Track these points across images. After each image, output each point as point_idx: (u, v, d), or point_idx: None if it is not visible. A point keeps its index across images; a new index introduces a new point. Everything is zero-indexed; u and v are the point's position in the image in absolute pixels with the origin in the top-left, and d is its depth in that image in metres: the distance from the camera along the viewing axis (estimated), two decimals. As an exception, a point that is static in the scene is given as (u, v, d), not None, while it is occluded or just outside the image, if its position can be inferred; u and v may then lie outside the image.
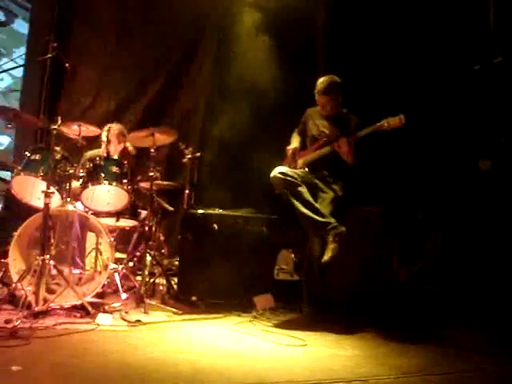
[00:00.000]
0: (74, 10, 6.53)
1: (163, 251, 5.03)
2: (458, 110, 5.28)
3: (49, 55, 4.18)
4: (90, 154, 4.82)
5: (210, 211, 4.51)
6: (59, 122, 3.93)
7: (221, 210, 4.56)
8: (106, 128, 4.82)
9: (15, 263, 3.87)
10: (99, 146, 5.02)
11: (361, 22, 5.82)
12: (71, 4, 6.52)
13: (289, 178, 4.10)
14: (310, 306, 4.34)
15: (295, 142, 4.58)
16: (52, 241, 3.86)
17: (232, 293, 4.39)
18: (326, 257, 3.91)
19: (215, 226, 4.35)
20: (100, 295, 4.17)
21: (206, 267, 4.36)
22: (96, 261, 4.30)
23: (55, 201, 3.90)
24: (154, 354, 3.07)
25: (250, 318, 4.11)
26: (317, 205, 4.11)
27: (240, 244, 4.47)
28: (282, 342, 3.54)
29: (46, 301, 3.63)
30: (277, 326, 3.96)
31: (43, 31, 6.45)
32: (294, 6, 6.02)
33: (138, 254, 4.56)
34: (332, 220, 4.04)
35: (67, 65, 4.24)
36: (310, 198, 4.12)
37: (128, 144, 5.02)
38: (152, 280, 4.48)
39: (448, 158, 5.33)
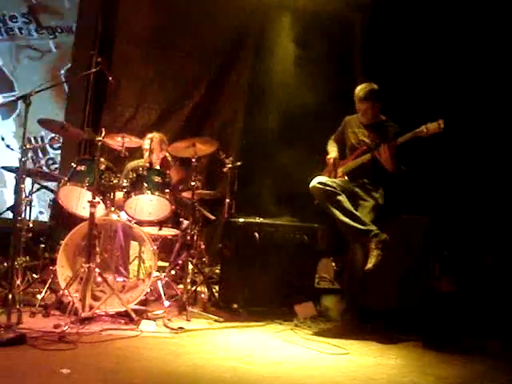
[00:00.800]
0: (115, 25, 6.71)
1: (204, 259, 5.09)
2: (501, 114, 5.18)
3: (93, 70, 4.32)
4: (132, 164, 4.93)
5: (251, 220, 4.55)
6: (103, 133, 4.05)
7: (261, 219, 4.58)
8: (149, 137, 4.92)
9: (62, 270, 3.99)
10: (140, 157, 5.13)
11: (398, 26, 5.77)
12: (113, 19, 6.70)
13: (328, 188, 4.09)
14: (352, 314, 4.30)
15: (334, 150, 4.56)
16: (97, 249, 3.95)
17: (273, 301, 4.41)
18: (369, 265, 3.89)
19: (256, 234, 4.38)
20: (143, 302, 4.25)
21: (247, 275, 4.39)
22: (139, 269, 4.39)
23: (100, 210, 4.01)
24: (197, 361, 3.11)
25: (291, 327, 4.12)
26: (357, 213, 4.09)
27: (281, 252, 4.48)
28: (324, 350, 3.54)
29: (91, 307, 3.73)
30: (318, 334, 3.95)
31: (87, 46, 6.67)
32: (332, 12, 6.04)
33: (180, 262, 4.63)
34: (373, 227, 4.02)
35: (111, 78, 4.37)
36: (350, 207, 4.10)
37: (167, 154, 5.11)
38: (194, 288, 4.53)
39: (493, 164, 5.22)
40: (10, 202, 5.80)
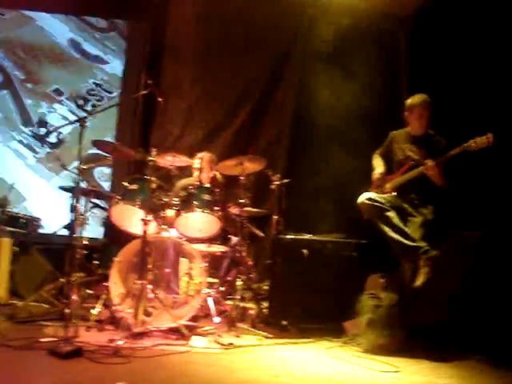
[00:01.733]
0: (163, 47, 6.91)
1: (252, 276, 5.13)
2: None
3: (144, 92, 4.47)
4: (182, 182, 5.04)
5: (300, 236, 4.57)
6: (154, 153, 4.18)
7: (310, 235, 4.60)
8: (199, 157, 5.03)
9: (116, 287, 4.11)
10: (190, 175, 5.24)
11: (442, 38, 5.71)
12: (161, 41, 6.91)
13: (377, 204, 4.09)
14: (402, 331, 4.24)
15: (380, 165, 4.54)
16: (149, 266, 4.05)
17: (322, 317, 4.38)
18: (419, 282, 3.85)
19: (305, 251, 4.39)
20: (193, 318, 4.30)
21: (296, 292, 4.40)
22: (188, 285, 4.47)
23: (151, 228, 4.11)
24: (249, 377, 3.15)
25: (340, 343, 4.10)
26: (406, 229, 4.07)
27: (329, 269, 4.47)
28: (374, 367, 3.51)
29: (144, 323, 3.82)
30: (368, 351, 3.92)
31: (136, 68, 6.91)
32: (375, 24, 6.06)
33: (228, 278, 4.69)
34: (423, 244, 3.98)
35: (160, 99, 4.51)
36: (399, 223, 4.08)
37: (216, 172, 5.20)
38: (243, 304, 4.57)
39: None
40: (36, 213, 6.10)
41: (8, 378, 2.87)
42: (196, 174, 4.99)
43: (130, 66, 7.12)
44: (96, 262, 4.80)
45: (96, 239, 5.25)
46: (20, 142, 6.81)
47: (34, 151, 6.79)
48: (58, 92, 6.96)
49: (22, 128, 6.86)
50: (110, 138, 6.60)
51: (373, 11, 6.19)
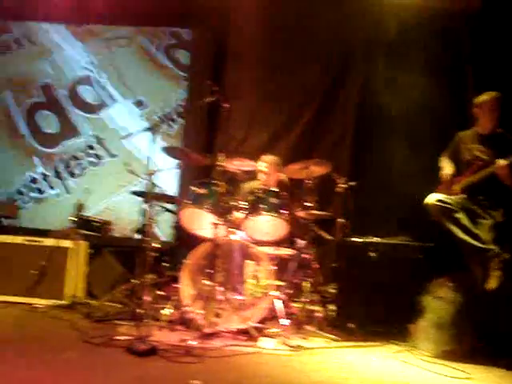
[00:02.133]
0: (226, 53, 7.05)
1: (318, 279, 5.14)
2: None
3: (210, 99, 4.59)
4: (248, 186, 5.11)
5: (366, 239, 4.56)
6: (222, 158, 4.28)
7: (376, 238, 4.58)
8: (265, 160, 5.09)
9: (186, 288, 4.23)
10: (254, 178, 5.30)
11: (508, 36, 5.56)
12: (224, 47, 7.05)
13: (445, 205, 4.04)
14: (472, 336, 4.16)
15: (448, 167, 4.48)
16: (218, 268, 4.14)
17: (389, 321, 4.36)
18: (490, 285, 3.77)
19: (372, 254, 4.38)
20: (260, 320, 4.37)
21: (363, 295, 4.40)
22: (255, 287, 4.55)
23: (220, 231, 4.21)
24: (318, 379, 3.18)
25: (408, 347, 4.06)
26: (476, 231, 3.99)
27: (396, 271, 4.44)
28: (444, 373, 3.46)
29: (213, 324, 3.92)
30: (437, 356, 3.87)
31: (200, 75, 7.06)
32: (441, 23, 5.95)
33: (295, 281, 4.73)
34: (494, 246, 3.90)
35: (226, 105, 4.62)
36: (469, 225, 4.01)
37: (282, 175, 5.25)
38: (310, 307, 4.60)
39: None
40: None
41: (89, 372, 3.03)
42: (261, 176, 5.05)
43: (194, 72, 7.29)
44: (165, 264, 4.94)
45: (165, 242, 5.41)
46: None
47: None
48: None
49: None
50: (176, 144, 6.78)
51: (437, 9, 6.09)
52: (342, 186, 4.99)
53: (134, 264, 4.73)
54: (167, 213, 5.24)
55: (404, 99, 5.76)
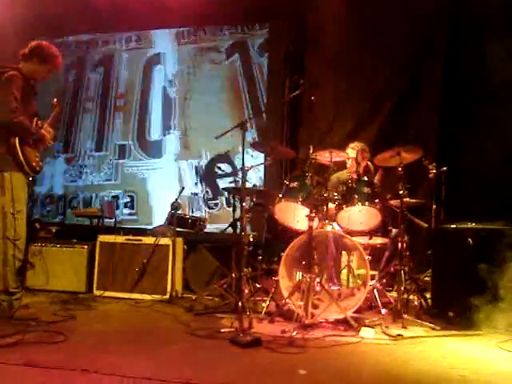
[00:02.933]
0: (305, 45, 7.07)
1: (413, 267, 5.08)
2: None
3: (297, 92, 4.64)
4: (336, 175, 5.11)
5: (463, 225, 4.45)
6: (311, 150, 4.32)
7: (473, 224, 4.45)
8: (352, 147, 5.08)
9: (283, 281, 4.31)
10: (343, 168, 5.30)
11: None
12: (302, 40, 7.07)
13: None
14: None
15: None
16: (315, 260, 4.19)
17: (489, 309, 4.23)
18: None
19: (470, 240, 4.27)
20: (357, 310, 4.38)
21: (461, 282, 4.28)
22: (352, 277, 4.57)
23: (314, 223, 4.25)
24: (422, 368, 3.16)
25: (514, 336, 3.93)
26: None
27: (496, 258, 4.29)
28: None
29: (313, 315, 3.97)
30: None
31: (279, 69, 7.13)
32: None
33: (390, 270, 4.70)
34: None
35: (312, 98, 4.65)
36: None
37: (369, 162, 5.22)
38: (407, 296, 4.56)
39: None
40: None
41: (199, 363, 3.17)
42: (350, 164, 5.02)
43: (273, 66, 7.35)
44: (260, 258, 5.06)
45: (258, 236, 5.52)
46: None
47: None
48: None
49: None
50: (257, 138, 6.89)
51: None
52: (433, 171, 4.90)
53: (228, 258, 4.90)
54: (259, 207, 5.35)
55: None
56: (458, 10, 6.32)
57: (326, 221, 4.35)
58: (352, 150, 5.05)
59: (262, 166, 6.27)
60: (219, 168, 5.15)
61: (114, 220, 6.71)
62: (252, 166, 4.42)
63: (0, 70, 4.10)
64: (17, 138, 4.00)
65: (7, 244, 3.99)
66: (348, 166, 5.13)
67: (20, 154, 3.99)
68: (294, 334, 3.72)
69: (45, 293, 5.05)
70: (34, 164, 4.11)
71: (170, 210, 5.50)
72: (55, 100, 4.53)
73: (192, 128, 7.28)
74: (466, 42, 6.19)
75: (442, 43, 6.48)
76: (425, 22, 6.54)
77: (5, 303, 3.98)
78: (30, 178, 4.18)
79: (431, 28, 6.55)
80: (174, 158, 7.29)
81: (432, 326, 4.15)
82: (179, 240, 5.38)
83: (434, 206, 4.87)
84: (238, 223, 4.79)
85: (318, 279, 4.06)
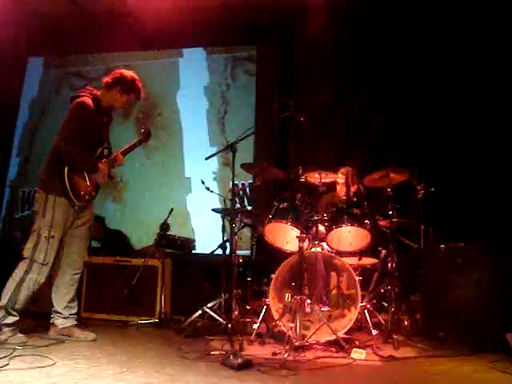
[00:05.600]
0: (292, 66, 7.16)
1: (403, 287, 5.08)
2: None
3: (286, 113, 4.67)
4: (327, 197, 5.14)
5: (452, 245, 4.47)
6: (301, 171, 4.34)
7: (462, 244, 4.48)
8: (342, 172, 5.12)
9: (274, 302, 4.29)
10: (332, 189, 5.32)
11: None
12: (290, 63, 7.16)
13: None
14: None
15: None
16: (305, 281, 4.18)
17: (482, 329, 4.24)
18: None
19: (459, 259, 4.30)
20: (348, 331, 4.37)
21: (451, 302, 4.30)
22: (341, 298, 4.56)
23: (304, 244, 4.25)
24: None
25: (507, 357, 3.92)
26: None
27: (486, 277, 4.32)
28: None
29: (303, 336, 3.95)
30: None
31: (267, 92, 7.20)
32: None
33: (380, 290, 4.70)
34: None
35: (302, 119, 4.68)
36: None
37: (360, 186, 5.25)
38: (397, 316, 4.55)
39: None
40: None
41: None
42: (340, 188, 5.07)
43: (261, 88, 7.42)
44: (249, 279, 5.03)
45: (247, 257, 5.50)
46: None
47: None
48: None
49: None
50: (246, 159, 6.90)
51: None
52: (421, 191, 4.94)
53: (217, 279, 4.87)
54: (247, 228, 5.35)
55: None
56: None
57: (316, 242, 4.35)
58: (341, 175, 5.09)
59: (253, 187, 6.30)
60: (203, 182, 5.12)
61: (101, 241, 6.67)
62: (244, 187, 4.43)
63: (75, 95, 4.18)
64: (66, 166, 4.02)
65: (32, 266, 3.97)
66: (338, 189, 5.15)
67: (66, 181, 4.02)
68: (285, 355, 3.70)
69: (31, 315, 4.96)
70: (82, 193, 4.12)
71: (159, 230, 5.46)
72: (145, 128, 4.63)
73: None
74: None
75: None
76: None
77: None
78: (76, 207, 4.14)
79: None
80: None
81: (423, 346, 4.14)
82: (168, 261, 5.34)
83: (422, 227, 4.90)
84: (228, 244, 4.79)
85: (308, 300, 4.04)
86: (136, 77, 4.29)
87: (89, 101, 4.13)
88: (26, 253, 4.00)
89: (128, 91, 4.24)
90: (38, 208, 4.05)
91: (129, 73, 4.28)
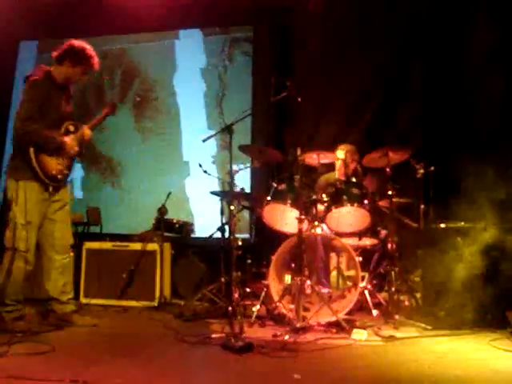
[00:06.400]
0: (291, 50, 7.08)
1: (403, 267, 5.07)
2: None
3: (284, 94, 4.60)
4: (325, 177, 5.09)
5: (452, 225, 4.44)
6: (299, 152, 4.29)
7: (462, 223, 4.45)
8: (342, 149, 5.05)
9: (273, 284, 4.28)
10: (331, 170, 5.27)
11: None
12: (288, 42, 7.07)
13: None
14: None
15: None
16: (303, 262, 4.15)
17: (481, 307, 4.23)
18: None
19: (459, 239, 4.27)
20: (348, 312, 4.36)
21: (452, 281, 4.28)
22: (341, 279, 4.54)
23: (303, 225, 4.22)
24: (417, 369, 3.11)
25: (506, 335, 3.91)
26: None
27: (486, 256, 4.29)
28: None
29: (304, 318, 3.93)
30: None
31: (264, 72, 7.11)
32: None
33: (380, 271, 4.68)
34: None
35: (299, 99, 4.62)
36: None
37: (358, 166, 5.20)
38: (397, 296, 4.54)
39: None
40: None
41: (191, 370, 3.13)
42: (339, 165, 4.99)
43: (258, 68, 7.34)
44: (248, 261, 5.01)
45: (247, 239, 5.48)
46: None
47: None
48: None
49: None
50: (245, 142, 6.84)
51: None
52: (421, 171, 4.89)
53: (216, 263, 4.85)
54: (245, 210, 5.31)
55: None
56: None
57: (316, 223, 4.32)
58: (341, 151, 5.02)
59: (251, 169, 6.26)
60: (200, 165, 5.03)
61: (99, 226, 6.65)
62: (240, 169, 4.39)
63: (28, 74, 4.04)
64: (31, 147, 3.89)
65: (15, 255, 3.89)
66: (337, 167, 5.09)
67: (34, 162, 3.89)
68: (285, 337, 3.68)
69: (30, 301, 4.94)
70: (53, 172, 4.00)
71: (156, 214, 5.43)
72: (111, 102, 4.58)
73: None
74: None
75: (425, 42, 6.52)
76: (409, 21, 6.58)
77: None
78: (51, 188, 4.04)
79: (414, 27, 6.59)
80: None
81: (423, 325, 4.14)
82: (167, 245, 5.32)
83: (422, 206, 4.86)
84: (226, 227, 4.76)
85: (308, 282, 4.02)
86: (86, 45, 4.11)
87: (41, 78, 3.97)
88: (7, 243, 3.94)
89: (80, 62, 4.06)
90: (11, 196, 3.95)
91: (78, 42, 4.09)
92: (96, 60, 4.14)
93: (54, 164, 4.00)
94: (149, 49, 7.70)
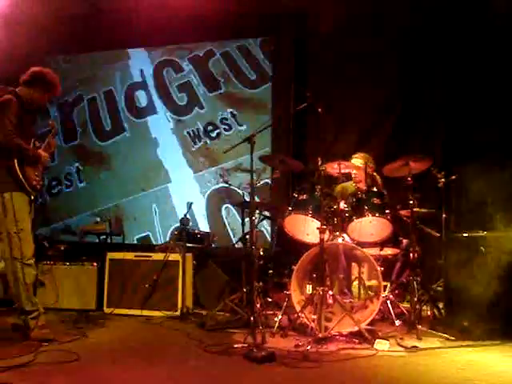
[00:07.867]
0: (307, 57, 7.13)
1: (426, 277, 5.04)
2: None
3: (304, 105, 4.63)
4: (341, 185, 5.05)
5: (475, 234, 4.41)
6: (320, 162, 4.30)
7: (485, 232, 4.42)
8: (359, 158, 5.05)
9: (295, 294, 4.28)
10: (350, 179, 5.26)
11: None
12: (304, 52, 7.13)
13: None
14: None
15: None
16: (326, 272, 4.16)
17: (505, 317, 4.19)
18: None
19: (482, 248, 4.23)
20: (370, 322, 4.34)
21: (475, 291, 4.24)
22: (363, 289, 4.52)
23: (325, 236, 4.22)
24: (441, 381, 3.11)
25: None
26: None
27: (508, 266, 4.25)
28: None
29: (326, 328, 3.93)
30: None
31: (283, 82, 7.16)
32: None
33: (403, 280, 4.66)
34: None
35: (320, 110, 4.64)
36: None
37: (375, 173, 5.20)
38: (420, 306, 4.51)
39: None
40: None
41: (214, 379, 3.16)
42: (355, 174, 4.96)
43: (278, 79, 7.38)
44: (270, 271, 5.03)
45: (266, 249, 5.49)
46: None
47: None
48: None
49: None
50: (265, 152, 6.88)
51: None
52: (442, 180, 4.87)
53: (238, 273, 4.87)
54: (266, 220, 5.33)
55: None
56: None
57: (337, 233, 4.32)
58: (357, 160, 5.02)
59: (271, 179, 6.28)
60: (227, 182, 5.08)
61: (121, 236, 6.72)
62: (258, 181, 4.41)
63: None
64: (15, 159, 4.00)
65: (15, 264, 3.97)
66: (353, 176, 5.07)
67: (20, 173, 4.00)
68: (308, 348, 3.68)
69: (55, 311, 5.02)
70: (34, 183, 4.11)
71: (179, 225, 5.48)
72: (51, 121, 4.64)
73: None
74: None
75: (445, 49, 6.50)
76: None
77: (22, 322, 3.97)
78: (32, 197, 4.15)
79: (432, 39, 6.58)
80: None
81: (446, 336, 4.11)
82: (189, 255, 5.35)
83: (444, 215, 4.83)
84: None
85: (330, 292, 4.02)
86: (54, 74, 4.25)
87: (14, 98, 4.07)
88: (5, 255, 4.02)
89: (46, 89, 4.20)
90: None
91: (46, 70, 4.23)
92: (60, 89, 4.32)
93: (33, 175, 4.13)
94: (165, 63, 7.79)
